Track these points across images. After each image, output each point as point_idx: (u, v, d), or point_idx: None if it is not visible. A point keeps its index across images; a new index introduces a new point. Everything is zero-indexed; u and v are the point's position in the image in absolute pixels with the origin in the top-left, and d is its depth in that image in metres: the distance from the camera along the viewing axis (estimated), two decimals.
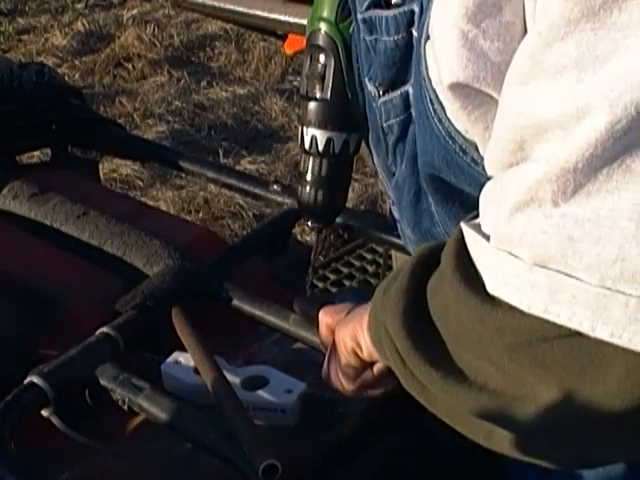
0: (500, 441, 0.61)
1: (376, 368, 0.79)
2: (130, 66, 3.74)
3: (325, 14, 1.00)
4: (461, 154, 0.75)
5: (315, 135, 1.04)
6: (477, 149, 0.72)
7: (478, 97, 0.65)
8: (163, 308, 1.00)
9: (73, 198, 1.19)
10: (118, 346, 0.95)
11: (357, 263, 1.96)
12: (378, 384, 0.80)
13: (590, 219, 0.49)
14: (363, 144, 2.14)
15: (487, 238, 0.55)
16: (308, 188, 1.07)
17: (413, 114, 0.83)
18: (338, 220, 1.16)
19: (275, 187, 1.24)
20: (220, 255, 1.12)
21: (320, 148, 1.04)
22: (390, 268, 1.46)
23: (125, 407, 0.89)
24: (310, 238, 2.36)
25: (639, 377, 0.51)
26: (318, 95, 1.02)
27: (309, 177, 1.06)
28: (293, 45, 2.54)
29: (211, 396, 0.87)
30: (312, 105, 1.03)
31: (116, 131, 1.47)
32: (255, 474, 0.75)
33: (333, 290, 1.86)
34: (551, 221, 0.50)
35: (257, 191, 1.27)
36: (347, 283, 1.90)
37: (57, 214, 1.16)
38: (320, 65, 1.00)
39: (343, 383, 0.81)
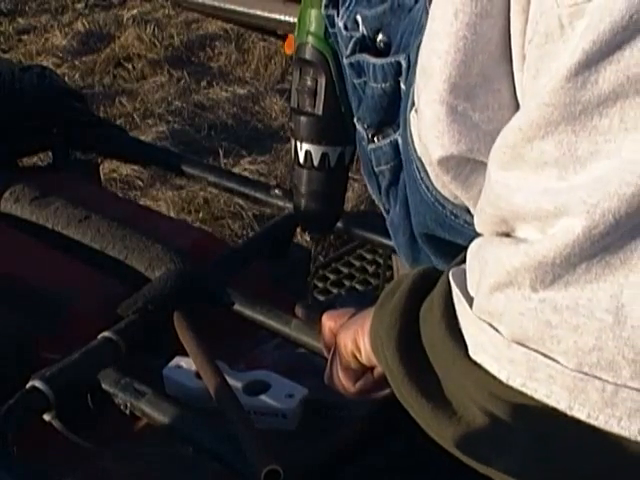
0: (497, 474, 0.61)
1: (376, 372, 0.79)
2: (130, 66, 3.74)
3: (313, 28, 0.98)
4: (452, 217, 0.75)
5: (309, 150, 1.02)
6: (469, 212, 0.72)
7: (470, 164, 0.64)
8: (165, 312, 1.00)
9: (74, 202, 1.19)
10: (120, 350, 0.95)
11: (357, 263, 1.96)
12: (378, 387, 0.80)
13: (568, 307, 0.49)
14: None
15: (471, 301, 0.55)
16: (304, 201, 1.05)
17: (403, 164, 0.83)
18: (337, 225, 1.16)
19: (276, 191, 1.24)
20: (221, 259, 1.12)
21: (315, 163, 1.02)
22: (390, 268, 1.46)
23: (127, 411, 0.89)
24: (311, 240, 2.36)
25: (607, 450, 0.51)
26: (310, 110, 1.00)
27: (304, 190, 1.04)
28: (293, 45, 2.54)
29: (213, 400, 0.88)
30: (304, 120, 1.00)
31: (117, 134, 1.47)
32: (257, 479, 0.75)
33: (334, 290, 1.86)
34: (529, 304, 0.50)
35: (258, 195, 1.27)
36: (347, 283, 1.90)
37: (59, 218, 1.16)
38: (310, 80, 0.98)
39: (344, 385, 0.82)
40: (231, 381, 0.90)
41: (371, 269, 1.93)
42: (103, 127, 1.44)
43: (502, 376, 0.53)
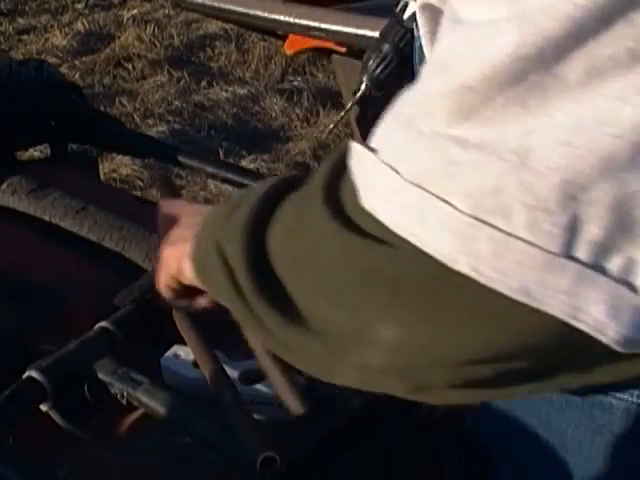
0: (343, 376, 0.59)
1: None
2: (130, 66, 3.75)
3: None
4: None
5: None
6: None
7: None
8: (162, 302, 0.99)
9: (72, 193, 1.19)
10: (117, 340, 0.95)
11: None
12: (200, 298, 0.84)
13: (476, 145, 0.47)
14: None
15: (373, 151, 0.52)
16: None
17: None
18: None
19: None
20: None
21: None
22: None
23: (124, 401, 0.89)
24: None
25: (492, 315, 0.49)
26: None
27: None
28: (293, 45, 2.54)
29: (210, 390, 0.87)
30: None
31: (116, 127, 1.47)
32: (253, 466, 0.75)
33: None
34: (439, 140, 0.48)
35: None
36: None
37: (56, 209, 1.16)
38: None
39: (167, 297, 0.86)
40: (227, 370, 0.90)
41: None
42: (101, 120, 1.43)
43: (388, 221, 0.49)
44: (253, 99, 3.47)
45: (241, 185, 1.30)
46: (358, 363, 0.56)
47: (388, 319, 0.53)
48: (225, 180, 1.33)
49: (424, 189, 0.48)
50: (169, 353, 0.96)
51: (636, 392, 0.66)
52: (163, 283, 0.85)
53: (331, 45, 2.25)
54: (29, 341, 0.97)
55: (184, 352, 0.95)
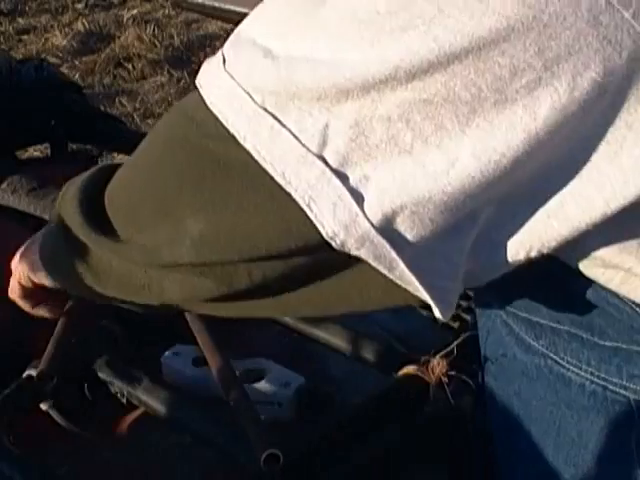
0: (166, 295, 0.69)
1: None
2: (130, 66, 3.74)
3: None
4: None
5: None
6: None
7: None
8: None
9: None
10: (117, 339, 0.95)
11: None
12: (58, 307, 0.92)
13: (274, 55, 0.57)
14: None
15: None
16: None
17: None
18: None
19: None
20: None
21: None
22: None
23: (124, 400, 0.89)
24: None
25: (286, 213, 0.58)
26: None
27: None
28: None
29: (210, 388, 0.87)
30: None
31: (116, 126, 1.47)
32: (256, 464, 0.74)
33: None
34: (253, 48, 0.59)
35: None
36: None
37: None
38: None
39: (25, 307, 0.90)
40: None
41: None
42: (101, 120, 1.43)
43: (208, 102, 0.59)
44: None
45: None
46: (170, 261, 0.65)
47: (195, 210, 0.62)
48: None
49: (234, 80, 0.58)
50: (170, 351, 0.96)
51: (593, 369, 0.70)
52: (18, 292, 0.89)
53: None
54: (28, 339, 0.97)
55: (184, 350, 0.95)
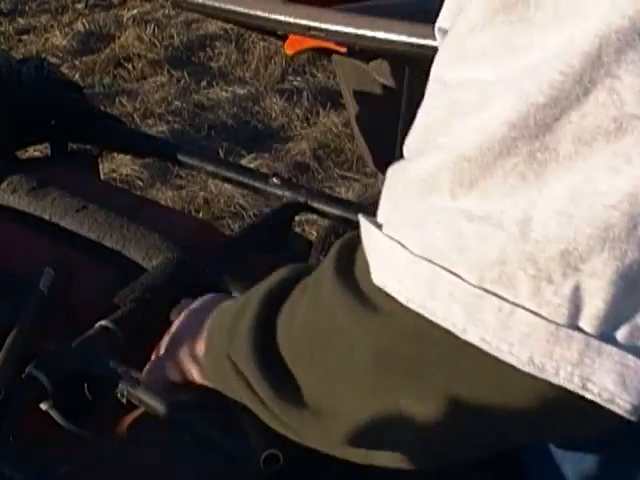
0: (381, 459, 0.61)
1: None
2: (130, 66, 3.74)
3: None
4: None
5: None
6: None
7: None
8: (162, 301, 0.99)
9: (72, 192, 1.18)
10: (117, 339, 0.94)
11: None
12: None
13: (481, 217, 0.48)
14: (362, 144, 2.13)
15: (380, 227, 0.54)
16: None
17: None
18: (339, 213, 1.16)
19: (274, 180, 1.24)
20: (219, 248, 1.12)
21: None
22: None
23: (124, 400, 0.89)
24: (311, 233, 2.36)
25: (500, 382, 0.50)
26: None
27: None
28: (293, 45, 2.54)
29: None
30: None
31: (116, 126, 1.47)
32: (256, 464, 0.74)
33: None
34: (446, 214, 0.49)
35: (256, 184, 1.27)
36: None
37: (56, 208, 1.15)
38: None
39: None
40: None
41: None
42: (102, 119, 1.43)
43: (402, 298, 0.51)
44: (253, 99, 3.46)
45: (241, 184, 1.30)
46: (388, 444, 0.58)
47: (411, 395, 0.54)
48: (225, 179, 1.33)
49: (433, 262, 0.49)
50: None
51: None
52: (162, 375, 0.87)
53: (331, 45, 2.24)
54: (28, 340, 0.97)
55: None
